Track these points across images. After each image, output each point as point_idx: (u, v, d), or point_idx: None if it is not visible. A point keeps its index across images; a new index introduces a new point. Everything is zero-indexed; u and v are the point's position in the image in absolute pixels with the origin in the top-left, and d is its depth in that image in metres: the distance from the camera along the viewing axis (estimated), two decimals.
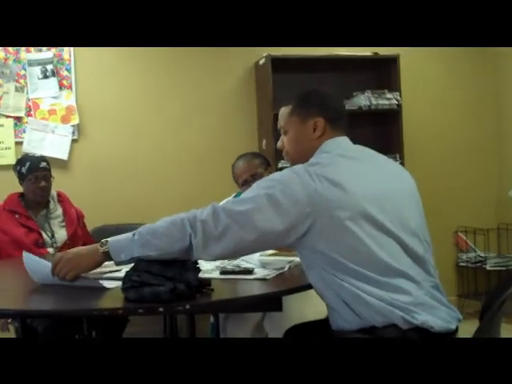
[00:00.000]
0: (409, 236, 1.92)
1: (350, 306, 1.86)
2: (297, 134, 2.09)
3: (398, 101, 4.56)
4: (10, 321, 3.26)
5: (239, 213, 1.86)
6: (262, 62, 4.46)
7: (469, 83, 5.04)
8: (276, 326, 2.67)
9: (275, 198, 1.84)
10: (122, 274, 2.12)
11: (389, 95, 4.55)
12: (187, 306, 1.88)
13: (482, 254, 4.82)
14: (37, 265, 2.16)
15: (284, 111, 2.14)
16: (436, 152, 4.93)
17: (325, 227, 1.83)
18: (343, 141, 2.06)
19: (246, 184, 3.21)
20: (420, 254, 1.93)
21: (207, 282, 2.04)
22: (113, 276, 2.33)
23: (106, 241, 2.00)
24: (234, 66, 4.62)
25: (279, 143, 2.18)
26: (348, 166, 1.95)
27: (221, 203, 3.32)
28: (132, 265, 1.98)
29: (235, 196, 3.35)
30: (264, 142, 4.48)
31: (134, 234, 1.96)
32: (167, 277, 1.92)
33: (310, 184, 1.84)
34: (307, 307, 2.74)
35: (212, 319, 3.18)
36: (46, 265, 2.07)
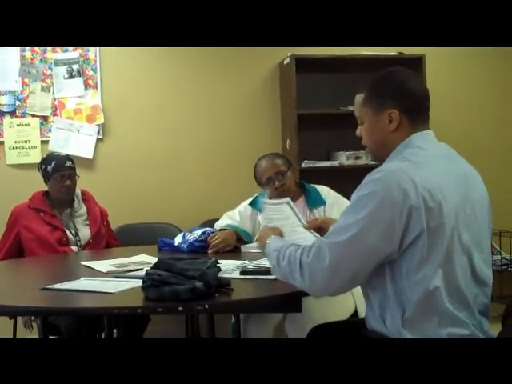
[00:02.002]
0: (479, 254, 1.83)
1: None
2: (372, 126, 1.94)
3: None
4: (33, 318, 3.30)
5: (342, 243, 1.77)
6: (286, 61, 4.45)
7: (494, 84, 4.98)
8: (297, 327, 2.67)
9: (374, 219, 1.73)
10: (143, 272, 2.14)
11: None
12: (206, 306, 1.89)
13: (508, 257, 4.75)
14: None
15: (358, 99, 1.99)
16: (460, 153, 4.86)
17: (431, 234, 1.72)
18: (431, 136, 1.94)
19: (269, 182, 3.21)
20: (484, 276, 1.84)
21: (227, 282, 2.05)
22: (134, 275, 2.36)
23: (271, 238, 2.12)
24: (259, 65, 4.61)
25: (357, 131, 2.02)
26: (443, 169, 1.84)
27: (242, 205, 3.35)
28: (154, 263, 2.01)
29: (256, 197, 3.36)
30: (288, 142, 4.47)
31: (275, 250, 2.00)
32: (187, 276, 1.93)
33: (409, 196, 1.71)
34: (329, 308, 2.73)
35: (233, 319, 3.19)
36: None
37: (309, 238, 2.35)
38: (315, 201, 3.22)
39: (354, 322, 2.14)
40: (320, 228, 2.38)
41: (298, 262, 1.85)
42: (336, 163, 4.44)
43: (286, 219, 2.43)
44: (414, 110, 1.91)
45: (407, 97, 1.91)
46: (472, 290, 1.80)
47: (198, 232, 3.09)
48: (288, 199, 2.53)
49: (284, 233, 2.28)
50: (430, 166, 1.82)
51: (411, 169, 1.78)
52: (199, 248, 3.02)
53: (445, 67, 4.86)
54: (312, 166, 4.40)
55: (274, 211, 2.47)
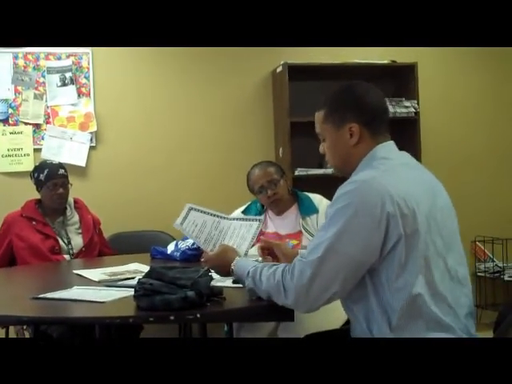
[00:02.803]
0: (452, 255, 1.85)
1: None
2: (333, 142, 1.96)
3: (415, 109, 4.53)
4: (25, 327, 3.28)
5: (321, 259, 1.76)
6: (279, 69, 4.46)
7: (486, 91, 5.01)
8: (290, 336, 2.66)
9: (351, 231, 1.74)
10: (135, 281, 2.13)
11: (406, 103, 4.52)
12: (198, 315, 1.89)
13: (500, 264, 4.77)
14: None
15: (318, 117, 2.01)
16: (453, 160, 4.89)
17: (407, 240, 1.74)
18: (393, 146, 1.95)
19: (262, 191, 3.22)
20: (461, 277, 1.86)
21: (219, 291, 2.05)
22: (126, 283, 2.35)
23: (235, 263, 2.08)
24: (252, 73, 4.62)
25: (320, 148, 2.03)
26: (411, 177, 1.86)
27: (235, 213, 3.34)
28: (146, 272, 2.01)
29: (249, 205, 3.37)
30: (281, 150, 4.48)
31: (248, 273, 1.97)
32: (179, 285, 1.93)
33: (385, 205, 1.73)
34: (322, 317, 2.71)
35: (226, 327, 3.18)
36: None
37: (237, 225, 2.37)
38: (308, 209, 3.23)
39: (347, 331, 2.14)
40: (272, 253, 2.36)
41: (281, 285, 1.84)
42: (329, 171, 4.43)
43: (205, 224, 2.44)
44: (374, 122, 1.93)
45: (366, 110, 1.92)
46: (453, 293, 1.82)
47: (191, 240, 3.09)
48: (189, 205, 2.57)
49: (212, 236, 2.37)
50: (398, 174, 1.84)
51: (383, 177, 1.80)
52: (192, 256, 3.02)
53: (437, 74, 4.89)
54: (305, 173, 4.40)
55: (189, 227, 2.48)
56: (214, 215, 2.56)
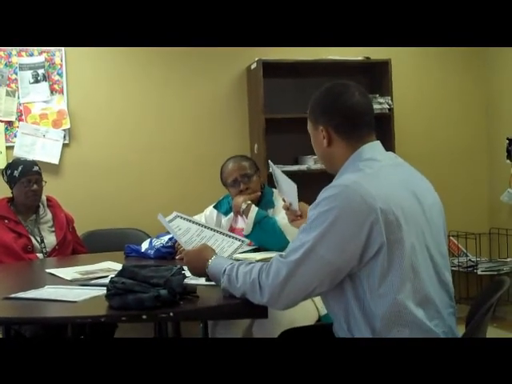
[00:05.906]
0: (439, 256, 1.85)
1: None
2: (313, 141, 2.00)
3: (389, 105, 4.55)
4: None
5: (299, 261, 1.77)
6: (253, 66, 4.46)
7: (460, 88, 5.05)
8: (265, 332, 2.67)
9: (331, 235, 1.74)
10: (107, 280, 2.12)
11: (380, 100, 4.54)
12: (171, 314, 1.88)
13: (474, 259, 4.82)
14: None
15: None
16: (427, 156, 4.92)
17: (390, 247, 1.73)
18: (379, 147, 1.94)
19: (235, 184, 3.21)
20: (446, 277, 1.87)
21: (193, 289, 2.04)
22: (98, 282, 2.34)
23: (212, 259, 2.06)
24: (226, 70, 4.61)
25: None
26: (398, 178, 1.85)
27: (208, 209, 3.33)
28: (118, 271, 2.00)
29: (221, 200, 3.36)
30: (256, 146, 4.48)
31: (224, 271, 1.97)
32: (151, 283, 1.92)
33: (369, 211, 1.72)
34: (296, 313, 2.73)
35: (201, 324, 3.18)
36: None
37: (220, 237, 2.38)
38: (267, 203, 3.22)
39: (324, 326, 2.15)
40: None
41: (256, 283, 1.85)
42: (304, 167, 4.45)
43: (189, 230, 2.46)
44: (345, 126, 1.92)
45: (336, 114, 1.92)
46: (440, 295, 1.82)
47: (165, 238, 3.08)
48: (176, 213, 2.57)
49: (193, 241, 2.39)
50: (384, 177, 1.83)
51: (367, 181, 1.78)
52: (166, 254, 3.00)
53: (410, 71, 4.92)
54: (280, 170, 4.39)
55: (173, 229, 2.48)
56: (199, 224, 2.56)
